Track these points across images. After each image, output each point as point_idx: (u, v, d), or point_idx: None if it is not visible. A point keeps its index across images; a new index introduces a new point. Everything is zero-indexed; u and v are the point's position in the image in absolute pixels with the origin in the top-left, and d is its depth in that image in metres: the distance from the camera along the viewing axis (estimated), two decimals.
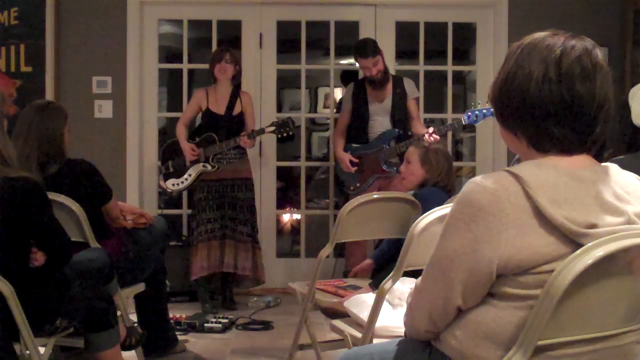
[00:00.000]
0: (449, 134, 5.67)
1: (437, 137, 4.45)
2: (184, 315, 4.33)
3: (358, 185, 4.84)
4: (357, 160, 4.83)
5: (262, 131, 4.71)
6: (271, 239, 5.51)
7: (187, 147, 4.77)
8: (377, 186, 4.78)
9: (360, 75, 5.06)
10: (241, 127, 4.78)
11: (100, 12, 5.27)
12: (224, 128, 4.75)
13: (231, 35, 5.62)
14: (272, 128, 4.69)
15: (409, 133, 4.83)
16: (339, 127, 5.03)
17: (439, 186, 3.49)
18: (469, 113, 4.38)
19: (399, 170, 4.68)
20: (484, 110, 4.35)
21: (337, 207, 5.25)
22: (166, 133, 6.09)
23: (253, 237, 4.83)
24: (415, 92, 4.93)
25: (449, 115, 5.68)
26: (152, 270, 3.55)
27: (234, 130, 4.73)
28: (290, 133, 4.76)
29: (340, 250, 5.01)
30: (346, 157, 4.85)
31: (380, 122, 4.84)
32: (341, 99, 5.28)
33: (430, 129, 4.49)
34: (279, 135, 4.79)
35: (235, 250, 4.78)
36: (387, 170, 4.75)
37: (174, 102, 6.78)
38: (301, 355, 3.57)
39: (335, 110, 5.65)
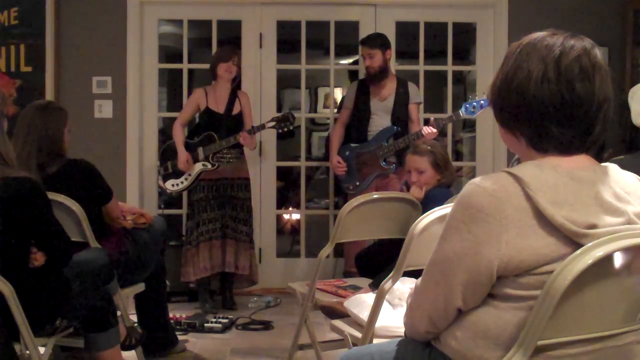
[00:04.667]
0: (449, 131, 5.69)
1: (435, 130, 4.48)
2: (184, 315, 4.33)
3: (357, 184, 4.85)
4: (344, 164, 4.86)
5: (262, 127, 4.71)
6: (271, 239, 5.51)
7: (183, 156, 4.74)
8: (374, 185, 4.80)
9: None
10: (240, 126, 4.77)
11: (100, 12, 5.26)
12: (223, 127, 4.74)
13: (231, 35, 5.61)
14: (273, 123, 4.68)
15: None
16: (337, 125, 5.07)
17: (447, 185, 3.51)
18: (467, 105, 4.42)
19: (397, 169, 4.74)
20: (481, 102, 4.37)
21: (337, 207, 5.25)
22: (166, 133, 6.09)
23: (251, 237, 4.85)
24: (418, 98, 4.98)
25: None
26: (152, 270, 3.55)
27: (233, 129, 4.72)
28: (291, 127, 4.76)
29: (340, 250, 5.01)
30: (334, 159, 4.91)
31: (379, 120, 4.86)
32: (343, 97, 5.28)
33: (432, 119, 4.55)
34: (280, 130, 4.80)
35: (236, 250, 4.78)
36: (385, 168, 4.77)
37: (174, 102, 6.79)
38: (301, 355, 3.57)
39: (335, 110, 5.65)
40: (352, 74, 5.87)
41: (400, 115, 4.85)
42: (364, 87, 4.96)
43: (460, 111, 4.44)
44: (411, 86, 4.95)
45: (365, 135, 4.88)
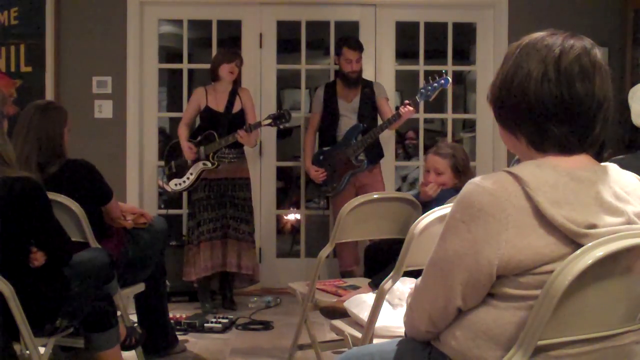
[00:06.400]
0: (449, 131, 5.69)
1: (411, 108, 4.52)
2: (184, 315, 4.33)
3: (335, 185, 4.92)
4: (322, 170, 4.91)
5: (258, 124, 4.71)
6: (271, 239, 5.51)
7: (186, 145, 4.78)
8: (353, 184, 4.87)
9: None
10: (241, 125, 4.76)
11: (100, 12, 5.26)
12: (223, 126, 4.75)
13: (231, 35, 5.61)
14: (269, 120, 4.70)
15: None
16: (308, 131, 5.14)
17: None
18: (422, 90, 4.44)
19: (369, 165, 4.80)
20: (435, 84, 4.38)
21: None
22: (166, 133, 6.09)
23: (253, 236, 4.85)
24: (384, 93, 5.04)
25: (449, 115, 5.69)
26: (152, 270, 3.56)
27: (233, 128, 4.72)
28: (287, 124, 4.79)
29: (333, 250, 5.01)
30: (311, 169, 4.96)
31: (348, 121, 4.94)
32: (311, 102, 5.32)
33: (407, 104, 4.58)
34: (277, 127, 4.81)
35: (238, 250, 4.79)
36: (357, 165, 4.82)
37: (174, 102, 6.78)
38: (301, 355, 3.57)
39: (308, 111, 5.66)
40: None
41: (367, 113, 4.93)
42: (331, 90, 5.03)
43: (417, 97, 4.49)
44: (376, 85, 5.04)
45: (335, 137, 4.95)
